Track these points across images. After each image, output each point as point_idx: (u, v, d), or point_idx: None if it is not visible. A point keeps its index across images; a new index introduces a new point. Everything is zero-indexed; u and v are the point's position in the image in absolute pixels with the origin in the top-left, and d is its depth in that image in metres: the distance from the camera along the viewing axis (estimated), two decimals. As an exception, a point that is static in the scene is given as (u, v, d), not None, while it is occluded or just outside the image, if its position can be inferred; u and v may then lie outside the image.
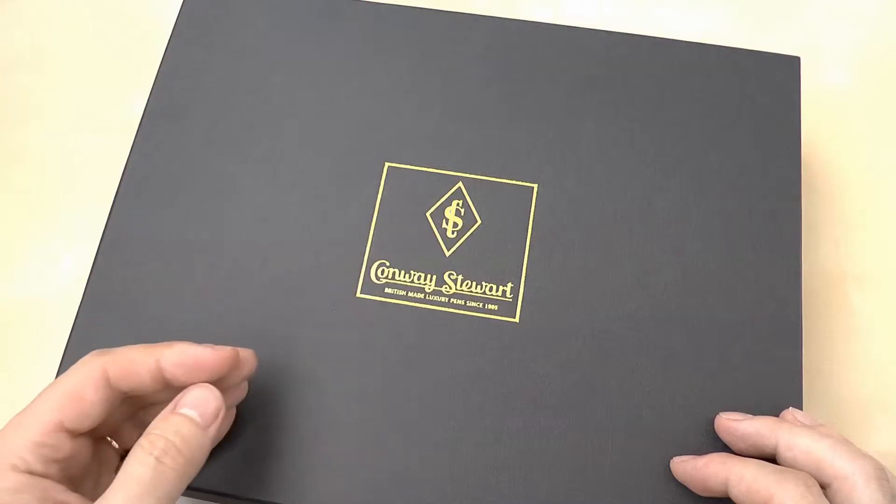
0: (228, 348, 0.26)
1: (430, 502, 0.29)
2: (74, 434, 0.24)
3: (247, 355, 0.27)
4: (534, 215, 0.33)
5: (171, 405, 0.25)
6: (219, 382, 0.26)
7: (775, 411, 0.29)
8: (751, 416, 0.28)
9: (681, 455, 0.29)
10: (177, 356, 0.25)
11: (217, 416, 0.25)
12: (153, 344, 0.26)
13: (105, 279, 0.32)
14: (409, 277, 0.32)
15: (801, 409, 0.30)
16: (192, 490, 0.29)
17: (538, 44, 0.36)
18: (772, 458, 0.27)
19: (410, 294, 0.32)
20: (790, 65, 0.36)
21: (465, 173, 0.34)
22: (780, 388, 0.30)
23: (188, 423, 0.24)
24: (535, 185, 0.34)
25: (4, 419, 0.24)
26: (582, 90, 0.35)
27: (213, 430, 0.24)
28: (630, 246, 0.33)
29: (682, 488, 0.28)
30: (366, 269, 0.32)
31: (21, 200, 0.41)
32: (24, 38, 0.45)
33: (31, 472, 0.23)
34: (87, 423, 0.24)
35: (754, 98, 0.35)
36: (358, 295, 0.32)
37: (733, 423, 0.28)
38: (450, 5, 0.39)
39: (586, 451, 0.29)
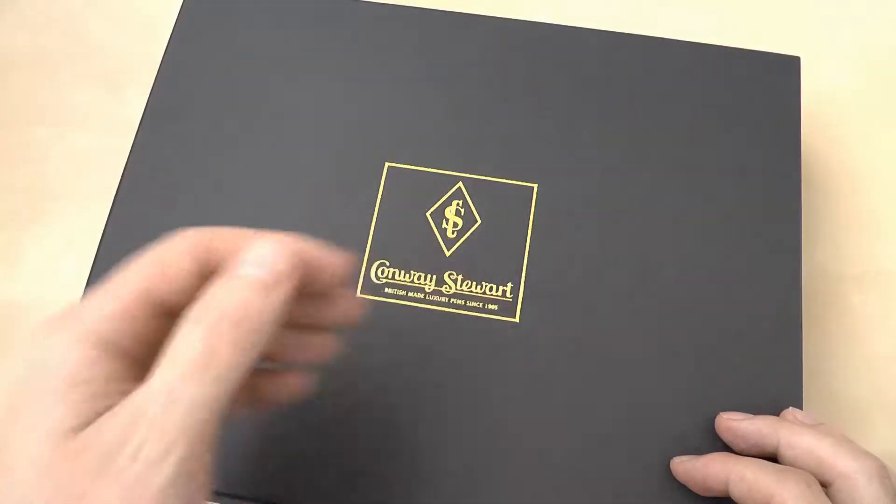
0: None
1: (429, 502, 0.29)
2: (158, 310, 0.21)
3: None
4: (534, 215, 0.33)
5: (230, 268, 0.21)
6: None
7: (775, 411, 0.29)
8: (751, 415, 0.28)
9: (681, 455, 0.29)
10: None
11: (283, 279, 0.21)
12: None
13: (105, 279, 0.32)
14: (409, 277, 0.32)
15: (801, 408, 0.30)
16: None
17: (538, 44, 0.36)
18: (773, 458, 0.27)
19: (410, 294, 0.32)
20: (790, 65, 0.36)
21: (465, 173, 0.34)
22: (780, 388, 0.30)
23: (245, 287, 0.20)
24: (535, 185, 0.34)
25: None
26: (582, 90, 0.35)
27: (277, 295, 0.20)
28: (630, 246, 0.33)
29: (682, 488, 0.28)
30: (366, 269, 0.32)
31: (21, 200, 0.40)
32: (24, 38, 0.45)
33: (104, 349, 0.20)
34: (175, 294, 0.21)
35: (754, 98, 0.35)
36: (358, 295, 0.32)
37: (734, 423, 0.28)
38: (450, 5, 0.39)
39: (586, 451, 0.29)
